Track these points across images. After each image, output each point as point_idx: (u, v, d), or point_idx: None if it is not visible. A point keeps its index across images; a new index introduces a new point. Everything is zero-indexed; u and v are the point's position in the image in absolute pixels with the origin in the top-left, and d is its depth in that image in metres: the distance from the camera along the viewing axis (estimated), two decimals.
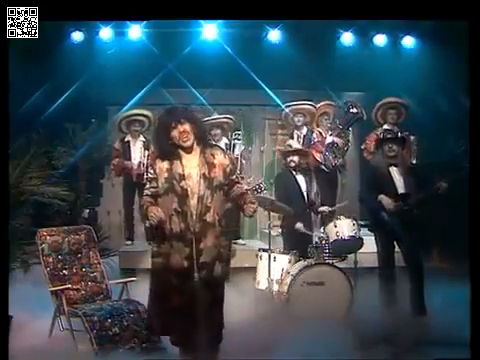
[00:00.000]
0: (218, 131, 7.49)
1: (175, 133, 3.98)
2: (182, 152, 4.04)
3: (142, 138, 7.62)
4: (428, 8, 4.89)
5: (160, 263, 3.97)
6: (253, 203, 4.07)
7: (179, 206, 3.92)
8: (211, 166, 4.02)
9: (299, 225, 6.13)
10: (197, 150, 4.05)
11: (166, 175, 3.98)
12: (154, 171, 4.04)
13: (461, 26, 4.56)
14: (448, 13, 4.80)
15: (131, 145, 7.56)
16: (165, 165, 4.00)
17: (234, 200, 4.15)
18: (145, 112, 7.60)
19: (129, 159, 7.49)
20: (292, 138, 7.80)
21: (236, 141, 7.52)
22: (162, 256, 3.97)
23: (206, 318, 3.90)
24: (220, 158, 4.08)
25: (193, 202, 3.92)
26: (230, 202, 4.18)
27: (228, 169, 4.09)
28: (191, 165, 4.01)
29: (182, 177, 3.95)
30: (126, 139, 7.59)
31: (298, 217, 6.14)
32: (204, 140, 4.12)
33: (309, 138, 7.77)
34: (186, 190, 3.94)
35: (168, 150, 4.02)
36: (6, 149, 4.22)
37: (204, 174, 3.98)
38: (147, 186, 4.11)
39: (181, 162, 4.00)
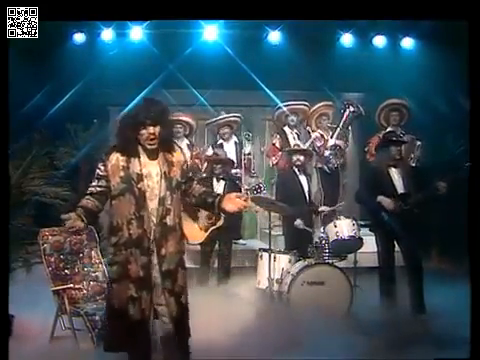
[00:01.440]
0: (227, 130, 7.59)
1: (144, 132, 3.63)
2: (141, 150, 3.71)
3: None
4: (428, 8, 4.91)
5: (118, 272, 3.65)
6: (239, 197, 3.74)
7: (137, 210, 3.59)
8: (170, 165, 3.72)
9: (298, 222, 6.19)
10: (157, 150, 3.74)
11: (122, 174, 3.64)
12: (105, 168, 3.67)
13: (461, 26, 4.56)
14: (448, 13, 4.82)
15: None
16: (121, 163, 3.65)
17: (198, 199, 3.83)
18: None
19: None
20: (285, 137, 7.80)
21: (246, 140, 7.58)
22: (119, 264, 3.64)
23: (172, 331, 3.64)
24: (177, 155, 3.79)
25: (153, 205, 3.62)
26: (193, 201, 3.86)
27: (185, 166, 3.80)
28: (150, 163, 3.70)
29: (140, 177, 3.63)
30: None
31: (299, 217, 6.18)
32: (167, 143, 3.77)
33: (304, 138, 7.80)
34: (144, 192, 3.61)
35: (131, 146, 3.69)
36: (6, 149, 4.23)
37: (165, 173, 3.68)
38: (92, 184, 3.74)
39: (139, 160, 3.67)
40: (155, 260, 3.62)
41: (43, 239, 4.99)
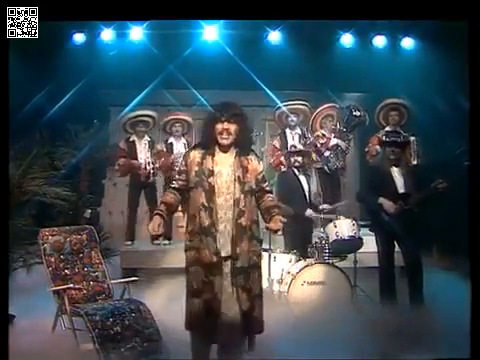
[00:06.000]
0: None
1: (219, 127, 3.97)
2: (217, 149, 4.03)
3: (147, 138, 7.63)
4: (428, 8, 4.91)
5: (193, 256, 3.97)
6: (282, 221, 4.00)
7: (206, 201, 3.92)
8: (245, 170, 4.01)
9: (309, 212, 6.20)
10: (233, 152, 4.05)
11: (196, 169, 3.98)
12: (186, 163, 4.04)
13: (461, 26, 4.57)
14: (448, 13, 4.82)
15: (137, 145, 7.55)
16: (197, 159, 4.00)
17: (265, 210, 4.10)
18: (149, 112, 7.62)
19: (135, 158, 7.50)
20: (287, 138, 7.80)
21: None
22: (194, 249, 3.96)
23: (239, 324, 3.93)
24: (254, 164, 4.07)
25: (220, 201, 3.92)
26: (260, 211, 4.13)
27: (260, 176, 4.10)
28: (223, 164, 4.00)
29: (211, 173, 3.95)
30: (131, 139, 7.61)
31: (299, 217, 6.18)
32: (244, 145, 4.09)
33: (304, 138, 7.79)
34: (213, 186, 3.93)
35: (208, 142, 4.03)
36: (6, 149, 4.23)
37: (239, 177, 3.98)
38: (175, 177, 4.12)
39: (213, 158, 3.99)
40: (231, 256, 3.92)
41: (43, 239, 4.99)
